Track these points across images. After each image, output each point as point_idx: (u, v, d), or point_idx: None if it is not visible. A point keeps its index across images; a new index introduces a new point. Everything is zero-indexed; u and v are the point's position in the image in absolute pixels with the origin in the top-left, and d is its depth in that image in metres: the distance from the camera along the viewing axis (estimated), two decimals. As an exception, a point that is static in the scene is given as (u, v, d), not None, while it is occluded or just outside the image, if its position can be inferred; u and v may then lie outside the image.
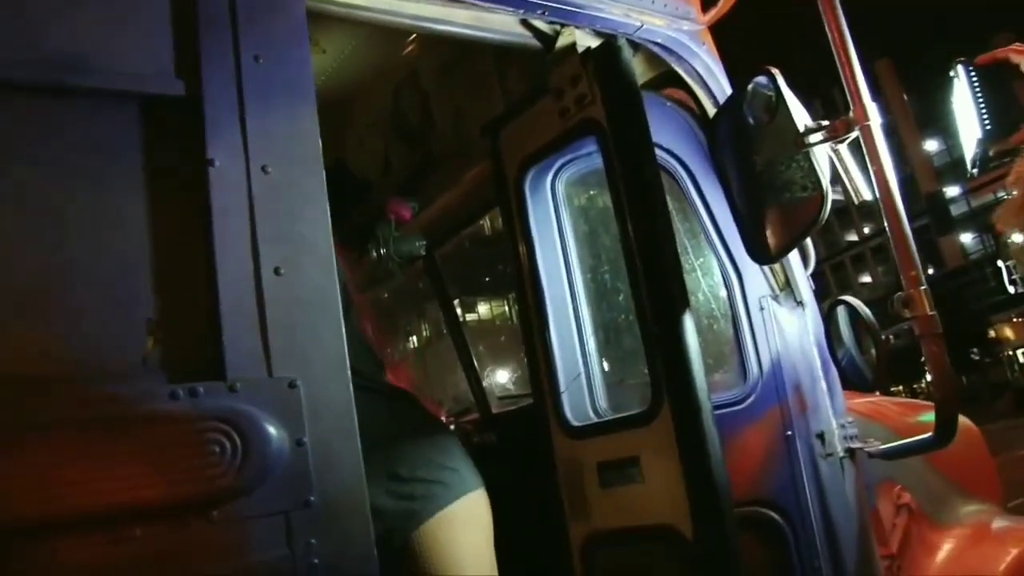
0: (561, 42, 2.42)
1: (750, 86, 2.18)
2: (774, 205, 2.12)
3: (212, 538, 1.45)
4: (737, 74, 2.52)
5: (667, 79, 2.65)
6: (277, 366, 1.57)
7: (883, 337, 1.96)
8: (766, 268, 2.46)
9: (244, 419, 1.49)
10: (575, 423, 2.52)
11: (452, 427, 3.52)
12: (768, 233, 2.12)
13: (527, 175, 2.68)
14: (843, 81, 1.99)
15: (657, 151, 2.56)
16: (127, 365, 1.49)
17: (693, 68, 2.46)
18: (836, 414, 2.39)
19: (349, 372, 1.64)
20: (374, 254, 3.50)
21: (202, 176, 1.59)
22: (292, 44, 1.76)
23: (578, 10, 2.27)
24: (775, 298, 2.46)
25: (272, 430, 1.52)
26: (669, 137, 2.58)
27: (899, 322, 2.18)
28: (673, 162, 2.58)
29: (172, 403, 1.45)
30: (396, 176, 3.56)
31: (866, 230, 56.31)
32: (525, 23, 2.40)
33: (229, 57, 1.68)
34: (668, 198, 2.68)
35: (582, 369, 2.64)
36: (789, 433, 2.37)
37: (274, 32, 1.74)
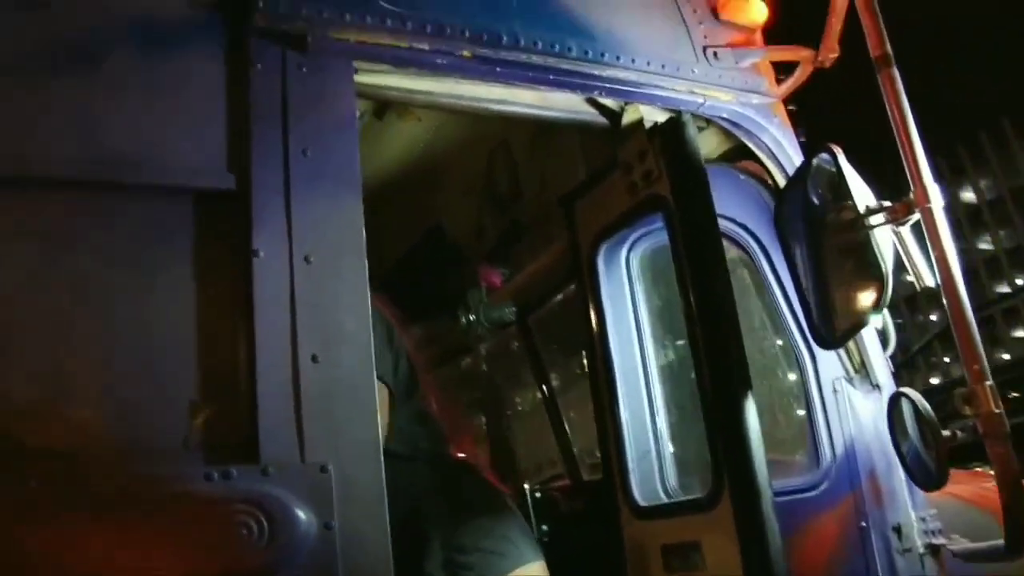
0: (627, 119, 2.43)
1: (814, 163, 2.12)
2: (836, 288, 2.03)
3: (237, 617, 1.52)
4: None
5: (743, 151, 2.60)
6: (310, 451, 1.63)
7: (945, 433, 1.83)
8: (840, 350, 2.36)
9: (274, 502, 1.56)
10: (642, 503, 2.47)
11: (539, 494, 3.51)
12: (830, 317, 2.04)
13: (600, 249, 2.68)
14: (904, 161, 1.90)
15: (730, 225, 2.52)
16: (169, 445, 1.58)
17: (762, 142, 2.41)
18: (916, 506, 2.25)
19: (381, 457, 1.69)
20: (464, 320, 3.57)
21: (247, 266, 1.69)
22: (341, 136, 1.85)
23: (636, 89, 2.27)
24: (849, 381, 2.36)
25: (301, 513, 1.57)
26: (742, 211, 2.53)
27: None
28: (746, 236, 2.53)
29: (206, 484, 1.53)
30: (489, 242, 3.62)
31: (1020, 281, 51.93)
32: (591, 101, 2.42)
33: (278, 151, 1.78)
34: (744, 272, 2.64)
35: (653, 447, 2.59)
36: (863, 524, 2.25)
37: (323, 125, 1.84)
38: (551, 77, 2.16)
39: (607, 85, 2.24)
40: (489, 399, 4.21)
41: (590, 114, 2.46)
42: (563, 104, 2.38)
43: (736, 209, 2.51)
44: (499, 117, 3.40)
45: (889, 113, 1.94)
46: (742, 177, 2.56)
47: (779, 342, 2.59)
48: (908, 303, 49.87)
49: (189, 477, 1.54)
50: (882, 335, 2.39)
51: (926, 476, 1.90)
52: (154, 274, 1.68)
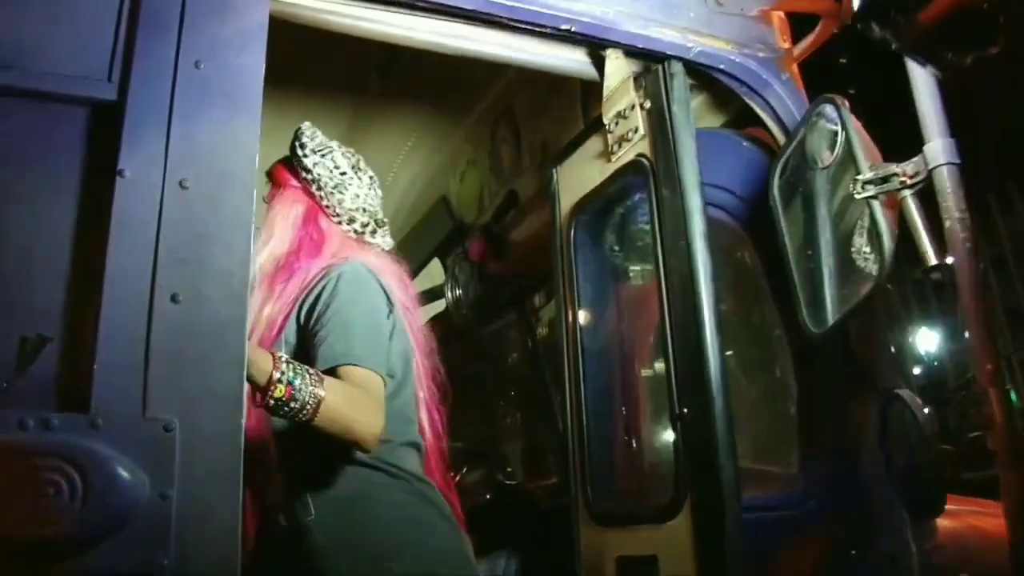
0: (610, 67, 2.12)
1: (814, 117, 1.78)
2: (829, 262, 1.70)
3: (38, 593, 1.27)
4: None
5: (750, 117, 2.27)
6: (154, 404, 1.37)
7: (941, 447, 1.47)
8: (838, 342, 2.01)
9: (93, 460, 1.30)
10: (600, 509, 2.16)
11: (518, 493, 3.22)
12: (820, 298, 1.70)
13: (578, 221, 2.38)
14: (917, 113, 1.57)
15: (726, 196, 2.20)
16: (-11, 386, 1.35)
17: (765, 101, 2.07)
18: (918, 535, 1.88)
19: (243, 420, 1.42)
20: (450, 295, 3.31)
21: (109, 186, 1.44)
22: (242, 51, 1.60)
23: (613, 26, 1.97)
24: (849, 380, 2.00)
25: (127, 476, 1.32)
26: (741, 181, 2.20)
27: None
28: (745, 209, 2.20)
29: (14, 433, 1.29)
30: (487, 214, 3.35)
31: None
32: (574, 44, 2.11)
33: (167, 61, 1.54)
34: (744, 254, 2.31)
35: (622, 445, 2.29)
36: (853, 552, 1.89)
37: (223, 37, 1.59)
38: (509, 3, 1.87)
39: (579, 18, 1.94)
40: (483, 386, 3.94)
41: (574, 61, 2.16)
42: (539, 48, 2.08)
43: (734, 179, 2.19)
44: (503, 80, 3.15)
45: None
46: (745, 144, 2.22)
47: (763, 331, 2.26)
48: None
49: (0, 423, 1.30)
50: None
51: (919, 499, 1.55)
52: (4, 190, 1.44)
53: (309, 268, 1.97)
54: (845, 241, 1.69)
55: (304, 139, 2.09)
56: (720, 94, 2.24)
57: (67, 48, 1.52)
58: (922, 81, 1.57)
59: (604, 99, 2.19)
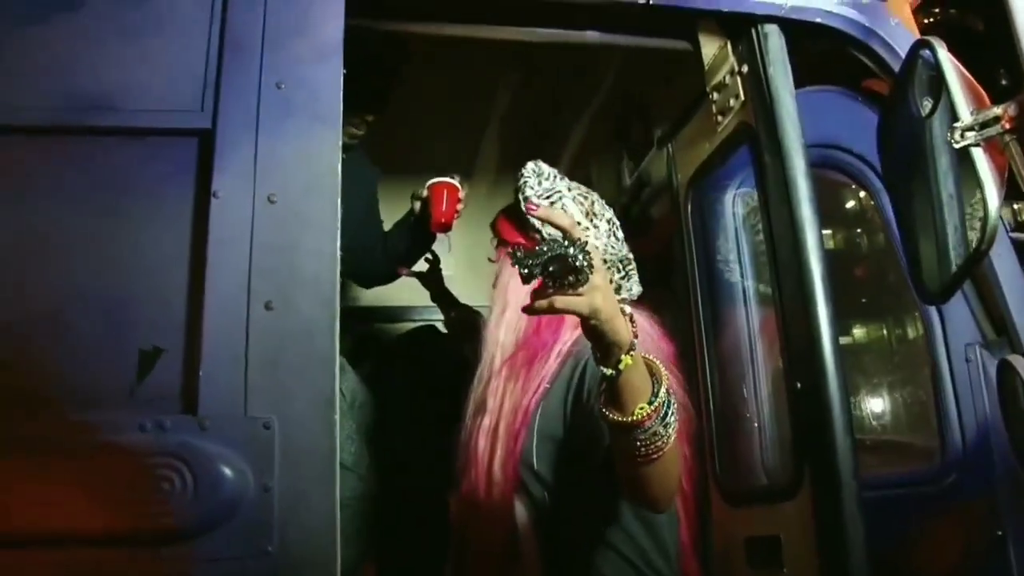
0: (704, 37, 2.06)
1: (916, 63, 1.65)
2: (936, 222, 1.56)
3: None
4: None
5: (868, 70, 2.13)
6: (254, 405, 1.49)
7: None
8: (976, 307, 1.85)
9: (203, 457, 1.44)
10: (731, 486, 2.11)
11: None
12: (931, 262, 1.57)
13: (695, 193, 2.33)
14: (1015, 34, 1.42)
15: (843, 156, 2.09)
16: (115, 393, 1.51)
17: (872, 50, 1.93)
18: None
19: (336, 416, 1.51)
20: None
21: (206, 208, 1.58)
22: (320, 69, 1.69)
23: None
24: (986, 347, 1.84)
25: (232, 472, 1.45)
26: (859, 139, 2.07)
27: None
28: (864, 168, 2.07)
29: (135, 435, 1.45)
30: (625, 196, 3.32)
31: None
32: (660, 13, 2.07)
33: (251, 85, 1.66)
34: (870, 214, 2.18)
35: (755, 421, 2.22)
36: (1000, 532, 1.74)
37: (301, 57, 1.68)
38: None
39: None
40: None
41: (667, 35, 2.12)
42: (628, 25, 2.06)
43: (850, 137, 2.06)
44: (617, 65, 3.09)
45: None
46: (859, 98, 2.09)
47: (888, 297, 2.11)
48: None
49: (122, 426, 1.46)
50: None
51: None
52: (116, 218, 1.60)
53: (553, 344, 1.75)
54: (953, 198, 1.56)
55: (526, 189, 1.84)
56: (826, 49, 2.11)
57: (163, 84, 1.66)
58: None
59: (705, 70, 2.13)
